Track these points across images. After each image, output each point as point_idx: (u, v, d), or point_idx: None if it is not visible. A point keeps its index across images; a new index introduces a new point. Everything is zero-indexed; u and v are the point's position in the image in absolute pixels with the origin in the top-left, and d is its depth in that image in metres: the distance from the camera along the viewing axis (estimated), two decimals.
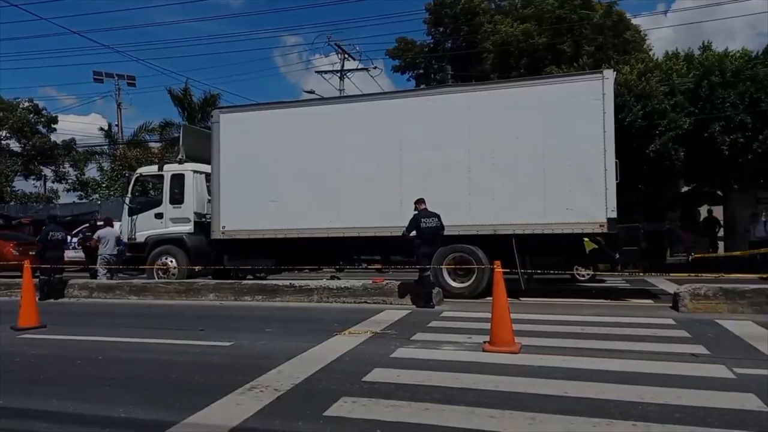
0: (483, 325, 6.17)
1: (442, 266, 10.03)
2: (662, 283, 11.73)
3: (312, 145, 11.03)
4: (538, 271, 9.51)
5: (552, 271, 9.74)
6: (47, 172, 34.46)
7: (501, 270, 5.89)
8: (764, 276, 9.51)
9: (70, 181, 34.20)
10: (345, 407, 3.94)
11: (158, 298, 10.58)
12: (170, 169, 12.72)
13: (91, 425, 3.83)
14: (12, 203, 28.96)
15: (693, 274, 9.51)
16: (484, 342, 5.70)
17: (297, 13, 72.04)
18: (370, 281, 9.86)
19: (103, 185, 29.71)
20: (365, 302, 9.37)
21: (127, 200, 13.02)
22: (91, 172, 33.73)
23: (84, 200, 29.78)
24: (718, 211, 18.17)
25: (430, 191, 9.52)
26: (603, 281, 12.40)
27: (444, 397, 4.10)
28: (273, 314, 8.67)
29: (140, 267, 12.34)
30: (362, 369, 4.91)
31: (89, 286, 11.40)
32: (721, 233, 17.63)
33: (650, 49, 23.29)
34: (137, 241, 12.56)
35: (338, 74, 29.24)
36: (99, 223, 13.78)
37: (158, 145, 29.62)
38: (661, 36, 42.79)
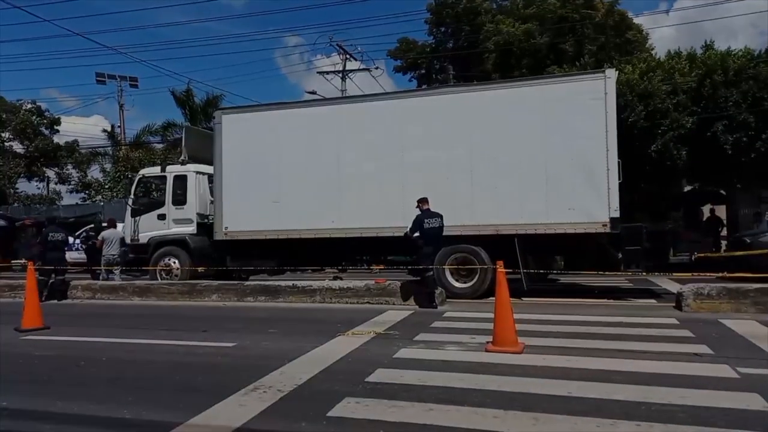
0: (486, 326, 6.17)
1: (445, 266, 10.02)
2: (665, 282, 11.71)
3: (314, 146, 11.04)
4: (546, 272, 9.50)
5: (554, 271, 9.73)
6: (50, 173, 34.55)
7: (503, 270, 5.89)
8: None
9: (73, 182, 34.28)
10: (348, 408, 3.94)
11: (161, 299, 10.60)
12: (173, 170, 12.74)
13: (95, 426, 3.84)
14: (15, 205, 29.05)
15: (696, 274, 9.48)
16: (487, 342, 5.70)
17: (299, 14, 72.13)
18: (373, 282, 9.85)
19: (106, 186, 29.78)
20: (368, 303, 9.37)
21: (130, 201, 13.06)
22: (94, 173, 33.83)
23: (87, 202, 29.86)
24: (721, 211, 18.12)
25: (432, 191, 9.51)
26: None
27: (447, 398, 4.10)
28: (276, 315, 8.68)
29: (143, 268, 12.36)
30: (365, 369, 4.90)
31: (92, 288, 11.43)
32: (724, 233, 17.58)
33: (652, 49, 23.30)
34: (140, 242, 12.58)
35: (340, 75, 29.26)
36: (103, 225, 13.81)
37: (161, 146, 29.68)
38: (663, 35, 42.71)
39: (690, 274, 10.04)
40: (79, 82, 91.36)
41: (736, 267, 9.88)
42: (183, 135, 13.98)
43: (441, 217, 9.07)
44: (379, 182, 10.54)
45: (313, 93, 25.97)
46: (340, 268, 12.49)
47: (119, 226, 13.24)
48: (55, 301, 10.75)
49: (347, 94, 25.75)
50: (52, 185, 34.73)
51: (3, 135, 32.09)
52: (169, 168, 12.94)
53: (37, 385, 4.85)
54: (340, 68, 29.37)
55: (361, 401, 4.08)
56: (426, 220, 8.99)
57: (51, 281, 10.99)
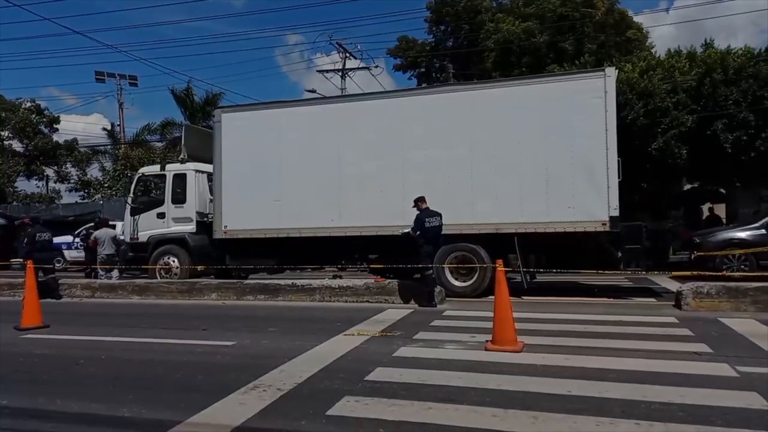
0: (485, 324, 6.17)
1: (445, 265, 10.03)
2: (665, 281, 11.71)
3: (314, 145, 11.03)
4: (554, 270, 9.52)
5: (554, 270, 9.72)
6: (49, 172, 34.56)
7: (503, 269, 5.89)
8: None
9: (72, 181, 34.28)
10: (348, 406, 3.94)
11: (160, 297, 10.60)
12: (172, 168, 12.73)
13: (95, 425, 3.84)
14: (14, 203, 29.03)
15: (695, 272, 9.49)
16: (487, 341, 5.70)
17: (298, 12, 72.15)
18: (372, 280, 9.86)
19: (106, 185, 29.78)
20: (367, 301, 9.37)
21: (130, 200, 13.05)
22: (94, 172, 33.83)
23: (86, 200, 29.86)
24: (721, 209, 18.12)
25: (432, 190, 9.52)
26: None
27: (447, 396, 4.10)
28: (275, 314, 8.68)
29: (143, 267, 12.37)
30: (365, 368, 4.91)
31: (92, 286, 11.42)
32: None
33: (652, 47, 23.29)
34: (140, 240, 12.58)
35: (340, 73, 29.25)
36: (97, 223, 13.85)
37: (160, 145, 29.68)
38: (663, 33, 42.73)
39: (689, 272, 10.05)
40: (79, 80, 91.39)
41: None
42: (183, 133, 13.97)
43: (440, 215, 9.08)
44: (380, 181, 10.54)
45: (313, 91, 25.93)
46: (339, 266, 12.49)
47: (118, 225, 13.22)
48: (54, 300, 10.73)
49: (347, 93, 25.73)
50: (51, 184, 34.77)
51: (2, 133, 32.08)
52: (168, 166, 12.93)
53: (37, 384, 4.84)
54: (340, 67, 29.37)
55: (361, 400, 4.08)
56: (427, 219, 9.00)
57: (42, 280, 10.94)
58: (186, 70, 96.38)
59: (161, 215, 12.51)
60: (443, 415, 3.72)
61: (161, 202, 12.64)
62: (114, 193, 27.80)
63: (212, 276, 12.08)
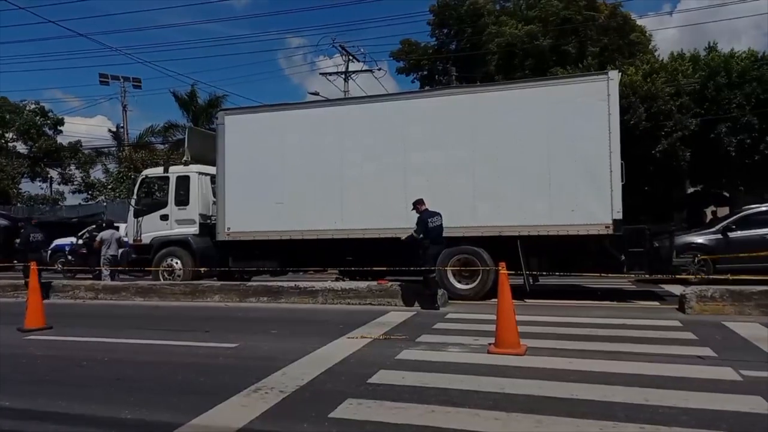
0: (488, 327, 6.16)
1: (447, 268, 10.01)
2: (668, 284, 11.66)
3: (316, 147, 11.04)
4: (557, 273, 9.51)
5: (557, 273, 9.71)
6: (53, 173, 34.69)
7: (506, 272, 5.88)
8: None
9: (76, 182, 34.40)
10: (350, 409, 3.94)
11: (164, 299, 10.61)
12: (175, 170, 12.74)
13: (97, 426, 3.84)
14: (18, 205, 29.13)
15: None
16: (490, 344, 5.69)
17: (301, 15, 72.24)
18: (375, 283, 9.85)
19: (109, 187, 29.86)
20: (370, 304, 9.36)
21: (133, 202, 13.07)
22: (97, 174, 33.94)
23: (90, 202, 29.95)
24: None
25: (434, 193, 9.51)
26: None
27: (449, 399, 4.09)
28: (278, 316, 8.68)
29: (146, 268, 12.38)
30: (367, 371, 4.90)
31: (95, 288, 11.43)
32: None
33: (656, 50, 23.27)
34: (143, 242, 12.59)
35: (343, 76, 29.28)
36: (103, 225, 13.91)
37: (163, 147, 29.77)
38: (667, 37, 42.71)
39: (693, 276, 10.02)
40: (83, 82, 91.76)
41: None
42: (186, 136, 13.99)
43: (441, 215, 9.11)
44: (382, 183, 10.54)
45: (316, 94, 26.03)
46: (342, 269, 12.46)
47: (121, 227, 13.25)
48: (58, 301, 10.75)
49: (350, 95, 25.75)
50: (55, 185, 34.90)
51: (7, 135, 32.22)
52: (172, 169, 12.94)
53: (40, 385, 4.85)
54: (343, 69, 29.41)
55: (363, 402, 4.08)
56: (429, 219, 9.01)
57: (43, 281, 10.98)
58: (189, 72, 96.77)
59: (164, 217, 12.52)
60: (446, 418, 3.71)
61: (164, 204, 12.64)
62: (117, 194, 27.87)
63: (215, 278, 12.08)
